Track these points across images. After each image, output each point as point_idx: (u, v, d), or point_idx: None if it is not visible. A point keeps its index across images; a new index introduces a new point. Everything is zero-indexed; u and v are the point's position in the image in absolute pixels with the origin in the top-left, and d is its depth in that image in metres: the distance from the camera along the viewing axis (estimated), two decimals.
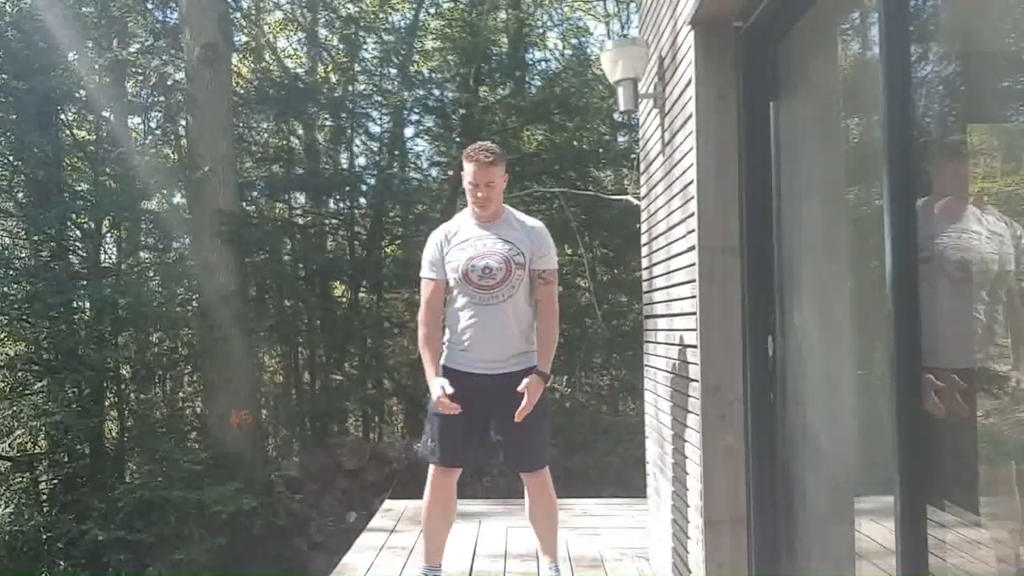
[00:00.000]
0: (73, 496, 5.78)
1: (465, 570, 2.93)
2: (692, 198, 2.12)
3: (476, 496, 4.89)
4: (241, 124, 7.53)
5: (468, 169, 2.28)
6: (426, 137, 8.26)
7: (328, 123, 8.06)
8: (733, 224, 2.06)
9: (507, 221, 2.36)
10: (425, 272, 2.37)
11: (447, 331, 2.41)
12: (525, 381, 2.22)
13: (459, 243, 2.33)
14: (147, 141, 7.37)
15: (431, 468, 2.38)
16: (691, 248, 2.14)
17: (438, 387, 2.21)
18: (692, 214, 2.12)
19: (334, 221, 8.18)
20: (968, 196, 1.61)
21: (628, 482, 5.25)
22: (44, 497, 6.00)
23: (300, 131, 8.07)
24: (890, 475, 1.39)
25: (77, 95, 6.36)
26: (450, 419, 2.27)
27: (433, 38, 8.26)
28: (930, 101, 1.60)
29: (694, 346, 2.14)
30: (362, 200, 8.00)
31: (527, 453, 2.36)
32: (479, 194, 2.27)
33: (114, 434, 6.52)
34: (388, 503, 4.07)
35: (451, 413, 2.19)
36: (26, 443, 6.01)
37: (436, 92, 7.88)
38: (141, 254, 7.16)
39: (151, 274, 6.68)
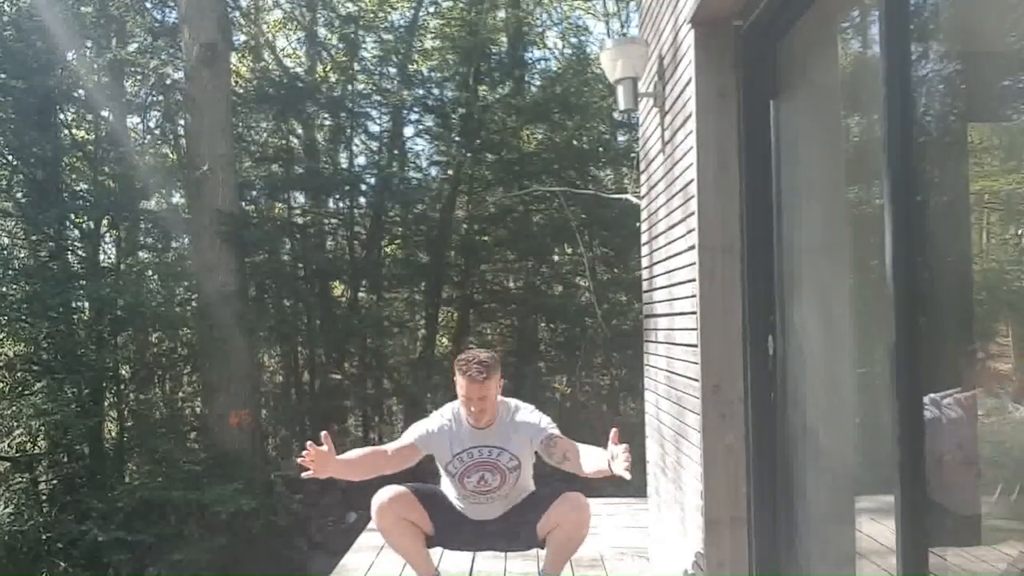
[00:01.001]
0: (73, 496, 5.77)
1: (465, 570, 2.93)
2: (692, 197, 2.11)
3: None
4: (240, 124, 7.52)
5: (460, 382, 2.24)
6: (426, 136, 8.27)
7: (327, 122, 8.05)
8: (733, 223, 2.06)
9: (501, 425, 2.32)
10: (411, 435, 2.33)
11: (443, 491, 2.47)
12: (613, 459, 2.02)
13: (455, 448, 2.31)
14: (146, 141, 7.37)
15: (375, 500, 2.29)
16: (691, 247, 2.14)
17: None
18: (692, 213, 2.12)
19: (334, 221, 8.17)
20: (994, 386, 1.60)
21: (628, 481, 5.24)
22: (44, 497, 6.00)
23: (299, 130, 8.06)
24: (890, 474, 1.39)
25: (76, 95, 6.35)
26: (434, 490, 2.40)
27: (432, 37, 8.25)
28: (930, 100, 1.59)
29: (694, 345, 2.14)
30: (362, 199, 8.00)
31: (548, 491, 2.35)
32: (472, 408, 2.24)
33: (114, 434, 6.52)
34: None
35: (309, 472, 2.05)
36: (26, 443, 6.00)
37: (435, 91, 7.88)
38: (140, 254, 7.14)
39: (150, 274, 6.66)
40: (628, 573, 2.89)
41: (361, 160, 8.37)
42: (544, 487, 2.48)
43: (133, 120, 7.30)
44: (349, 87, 7.92)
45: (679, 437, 2.40)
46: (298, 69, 8.44)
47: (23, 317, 5.84)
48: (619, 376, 7.29)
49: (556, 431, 2.30)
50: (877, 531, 1.65)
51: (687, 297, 2.22)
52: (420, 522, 2.33)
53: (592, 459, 2.16)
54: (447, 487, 2.45)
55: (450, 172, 7.79)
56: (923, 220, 1.45)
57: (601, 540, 3.23)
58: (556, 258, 8.02)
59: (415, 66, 7.97)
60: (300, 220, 8.15)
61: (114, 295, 5.73)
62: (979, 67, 1.60)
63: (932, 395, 1.42)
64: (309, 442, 2.08)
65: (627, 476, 1.94)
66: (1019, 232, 1.64)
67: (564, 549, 2.37)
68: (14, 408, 5.67)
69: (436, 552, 2.63)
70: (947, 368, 1.54)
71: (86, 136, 6.79)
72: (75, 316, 6.20)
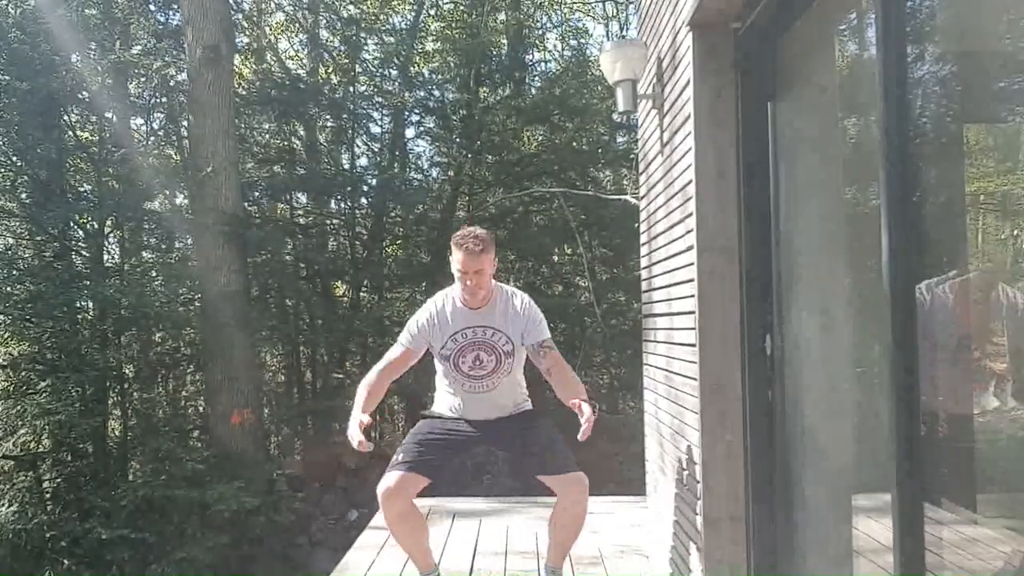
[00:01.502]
0: (76, 495, 5.81)
1: (466, 569, 2.94)
2: (691, 198, 2.13)
3: (476, 494, 4.91)
4: (243, 125, 7.55)
5: (456, 256, 2.23)
6: (427, 138, 8.31)
7: (329, 124, 8.09)
8: (732, 224, 2.08)
9: (495, 306, 2.31)
10: (403, 339, 2.34)
11: (436, 395, 2.46)
12: (584, 408, 2.11)
13: (448, 330, 2.31)
14: (150, 142, 7.41)
15: (380, 488, 2.26)
16: (690, 248, 2.16)
17: (355, 423, 2.14)
18: (691, 214, 2.13)
19: (335, 221, 8.20)
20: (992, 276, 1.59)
21: (628, 480, 5.26)
22: (48, 496, 6.03)
23: (301, 132, 8.10)
24: (888, 472, 1.40)
25: (80, 96, 6.39)
26: (428, 439, 2.33)
27: (433, 39, 8.29)
28: (927, 101, 1.61)
29: (693, 345, 2.16)
30: (363, 200, 8.04)
31: (560, 458, 2.34)
32: (468, 282, 2.24)
33: (117, 433, 6.55)
34: None
35: (364, 451, 2.12)
36: (30, 442, 6.03)
37: (436, 93, 7.91)
38: (144, 254, 7.19)
39: (154, 274, 6.70)
40: (628, 571, 2.90)
41: (363, 161, 8.42)
42: (556, 434, 2.44)
43: (137, 121, 7.36)
44: (351, 89, 7.95)
45: (678, 436, 2.41)
46: (300, 71, 8.48)
47: (28, 317, 5.87)
48: (618, 375, 7.30)
49: (549, 341, 2.31)
50: (874, 529, 1.67)
51: (686, 297, 2.24)
52: (427, 482, 2.33)
53: (568, 392, 2.22)
54: (441, 381, 2.41)
55: (451, 173, 7.82)
56: (920, 220, 1.46)
57: (601, 538, 3.25)
58: (556, 258, 8.04)
59: (416, 68, 8.00)
60: (302, 220, 8.19)
61: (118, 295, 5.77)
62: (975, 68, 1.61)
63: (927, 281, 1.41)
64: (360, 439, 2.12)
65: (580, 439, 2.07)
66: (1015, 232, 1.65)
67: (564, 546, 2.40)
68: (19, 407, 5.71)
69: (437, 551, 2.65)
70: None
71: (90, 137, 6.83)
72: (79, 316, 6.24)
